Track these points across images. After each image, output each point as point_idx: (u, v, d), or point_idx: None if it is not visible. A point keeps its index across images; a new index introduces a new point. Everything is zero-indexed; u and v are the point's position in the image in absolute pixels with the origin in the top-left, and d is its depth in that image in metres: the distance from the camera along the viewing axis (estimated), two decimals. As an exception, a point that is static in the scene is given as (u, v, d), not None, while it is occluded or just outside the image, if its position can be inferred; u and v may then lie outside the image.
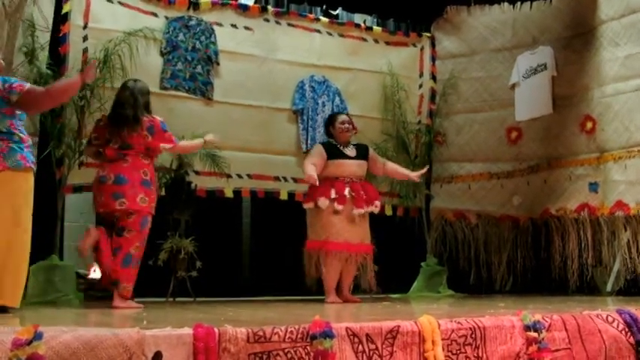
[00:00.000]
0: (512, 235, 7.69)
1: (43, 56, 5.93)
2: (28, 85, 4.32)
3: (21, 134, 4.30)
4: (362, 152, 6.16)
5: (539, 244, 7.45)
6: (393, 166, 6.36)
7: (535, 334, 3.12)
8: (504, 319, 3.19)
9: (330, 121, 6.23)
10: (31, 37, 5.81)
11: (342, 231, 5.82)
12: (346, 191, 5.85)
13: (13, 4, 5.27)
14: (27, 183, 4.28)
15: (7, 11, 5.22)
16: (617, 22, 6.62)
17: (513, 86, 7.63)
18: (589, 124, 6.84)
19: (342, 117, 6.20)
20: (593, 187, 6.75)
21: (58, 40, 6.18)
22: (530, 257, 7.59)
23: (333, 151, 6.03)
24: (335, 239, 5.80)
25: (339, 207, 5.80)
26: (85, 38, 6.32)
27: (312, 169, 5.77)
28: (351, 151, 6.09)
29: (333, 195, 5.81)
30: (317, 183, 5.70)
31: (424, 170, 6.42)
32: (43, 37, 6.00)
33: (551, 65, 7.27)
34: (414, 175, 6.30)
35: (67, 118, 6.02)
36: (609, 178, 6.57)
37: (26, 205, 4.27)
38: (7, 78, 4.34)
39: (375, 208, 6.02)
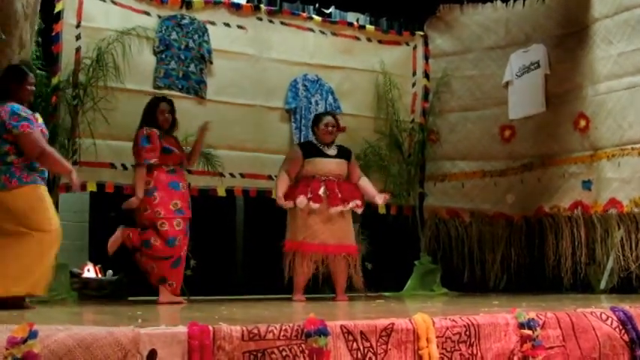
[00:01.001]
0: (505, 234, 7.70)
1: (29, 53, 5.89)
2: (32, 132, 4.39)
3: (15, 156, 4.41)
4: (344, 153, 6.09)
5: (532, 242, 7.46)
6: (365, 183, 6.13)
7: (529, 332, 3.13)
8: (498, 316, 3.19)
9: (315, 121, 6.20)
10: None
11: (319, 232, 5.80)
12: (321, 190, 5.80)
13: (30, 5, 5.23)
14: (17, 201, 4.38)
15: (26, 12, 5.18)
16: (610, 20, 6.63)
17: (507, 84, 7.64)
18: (582, 122, 6.85)
19: (327, 119, 6.12)
20: (587, 185, 6.76)
21: (50, 39, 6.16)
22: (524, 255, 7.59)
23: (311, 150, 6.01)
24: (311, 241, 5.79)
25: (315, 206, 5.76)
26: (77, 37, 6.31)
27: (282, 192, 5.83)
28: (331, 150, 6.04)
29: (309, 194, 5.80)
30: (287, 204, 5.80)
31: (386, 196, 6.15)
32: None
33: (545, 63, 7.28)
34: (379, 198, 6.02)
35: (60, 117, 6.01)
36: (603, 176, 6.58)
37: (27, 217, 4.37)
38: (18, 111, 4.39)
39: (357, 207, 5.94)
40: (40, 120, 4.62)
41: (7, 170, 4.37)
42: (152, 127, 5.36)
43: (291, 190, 5.88)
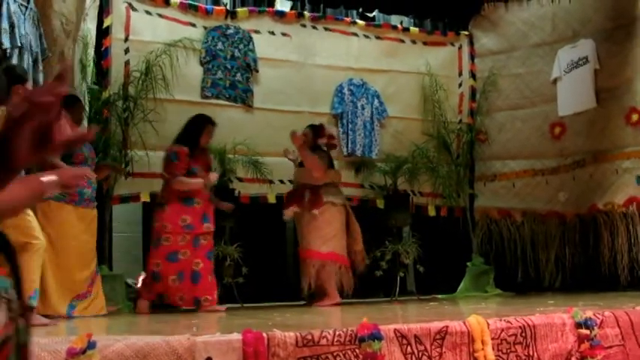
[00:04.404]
0: (559, 232, 7.54)
1: (90, 71, 6.05)
2: None
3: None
4: None
5: (587, 240, 7.30)
6: None
7: (587, 331, 3.08)
8: (555, 316, 3.15)
9: None
10: (84, 54, 5.92)
11: None
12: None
13: (71, 22, 5.35)
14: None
15: (66, 29, 5.31)
16: (660, 12, 6.50)
17: (555, 81, 7.52)
18: (635, 117, 6.70)
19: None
20: (641, 180, 6.62)
21: (100, 54, 6.29)
22: (579, 253, 7.43)
23: None
24: None
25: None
26: (126, 51, 6.44)
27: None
28: None
29: None
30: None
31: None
32: (89, 53, 6.12)
33: (593, 58, 7.14)
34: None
35: (112, 130, 6.12)
36: (658, 171, 6.44)
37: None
38: None
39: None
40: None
41: None
42: (186, 144, 5.44)
43: None
